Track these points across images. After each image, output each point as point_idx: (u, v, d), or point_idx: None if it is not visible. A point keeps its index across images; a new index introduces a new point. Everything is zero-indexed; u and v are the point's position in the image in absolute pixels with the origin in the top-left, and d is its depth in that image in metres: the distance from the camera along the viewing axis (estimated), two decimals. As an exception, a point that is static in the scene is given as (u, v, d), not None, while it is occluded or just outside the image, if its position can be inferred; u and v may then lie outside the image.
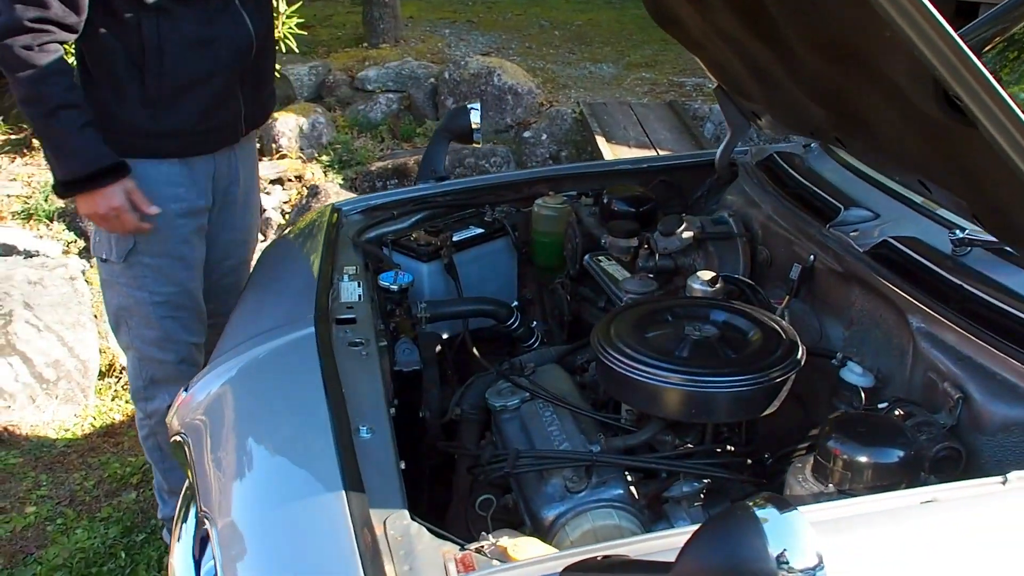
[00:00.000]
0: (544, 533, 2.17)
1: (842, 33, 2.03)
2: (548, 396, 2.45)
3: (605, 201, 3.31)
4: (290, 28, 8.89)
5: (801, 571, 1.35)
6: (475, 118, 3.39)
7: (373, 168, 8.50)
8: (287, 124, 8.73)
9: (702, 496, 2.26)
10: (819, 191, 2.95)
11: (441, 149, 3.43)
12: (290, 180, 8.50)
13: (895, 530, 1.71)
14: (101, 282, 3.34)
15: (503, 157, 8.73)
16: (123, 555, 3.64)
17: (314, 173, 8.60)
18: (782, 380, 2.25)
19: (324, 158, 8.79)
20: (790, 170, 3.16)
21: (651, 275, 2.84)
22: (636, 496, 2.23)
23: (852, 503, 1.75)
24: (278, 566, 1.78)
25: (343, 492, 1.85)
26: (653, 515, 2.28)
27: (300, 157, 8.79)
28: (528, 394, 2.51)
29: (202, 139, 3.14)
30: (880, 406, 2.25)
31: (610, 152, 7.77)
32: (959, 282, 2.35)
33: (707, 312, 2.53)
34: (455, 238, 3.16)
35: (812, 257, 2.74)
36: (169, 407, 2.62)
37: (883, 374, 2.47)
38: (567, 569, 1.55)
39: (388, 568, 1.68)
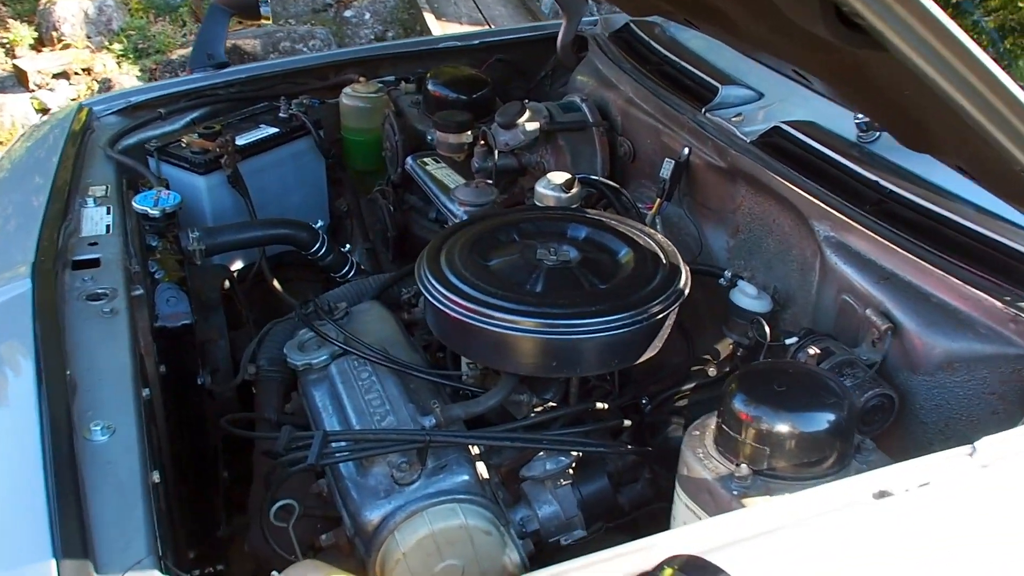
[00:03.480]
0: (368, 541, 1.62)
1: None
2: (365, 351, 1.86)
3: (428, 87, 2.69)
4: None
5: None
6: (262, -13, 2.67)
7: (174, 56, 7.50)
8: (68, 8, 7.57)
9: (571, 472, 1.76)
10: (689, 67, 2.42)
11: (219, 27, 2.71)
12: (77, 73, 7.42)
13: (845, 543, 1.23)
14: None
15: (323, 40, 7.87)
16: None
17: (106, 64, 7.53)
18: (664, 316, 1.74)
19: (116, 47, 7.70)
20: (651, 42, 2.60)
21: (490, 180, 2.26)
22: (486, 477, 1.70)
23: (781, 509, 1.26)
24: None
25: (48, 544, 1.24)
26: (508, 495, 1.77)
27: (88, 46, 7.67)
28: (336, 347, 1.92)
29: None
30: (788, 342, 1.78)
31: (440, 31, 7.05)
32: (873, 176, 1.87)
33: (564, 227, 1.98)
34: (240, 142, 2.48)
35: (687, 150, 2.21)
36: None
37: (781, 294, 1.99)
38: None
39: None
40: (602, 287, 1.78)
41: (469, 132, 2.50)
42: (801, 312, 1.96)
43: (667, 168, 2.21)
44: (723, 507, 1.44)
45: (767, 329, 1.80)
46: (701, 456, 1.51)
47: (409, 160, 2.45)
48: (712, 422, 1.56)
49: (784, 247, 2.03)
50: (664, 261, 1.85)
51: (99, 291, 1.81)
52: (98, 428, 1.46)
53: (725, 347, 2.09)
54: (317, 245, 2.27)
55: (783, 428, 1.43)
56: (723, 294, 2.00)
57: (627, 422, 1.82)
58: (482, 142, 2.45)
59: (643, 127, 2.40)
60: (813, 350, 1.70)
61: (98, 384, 1.57)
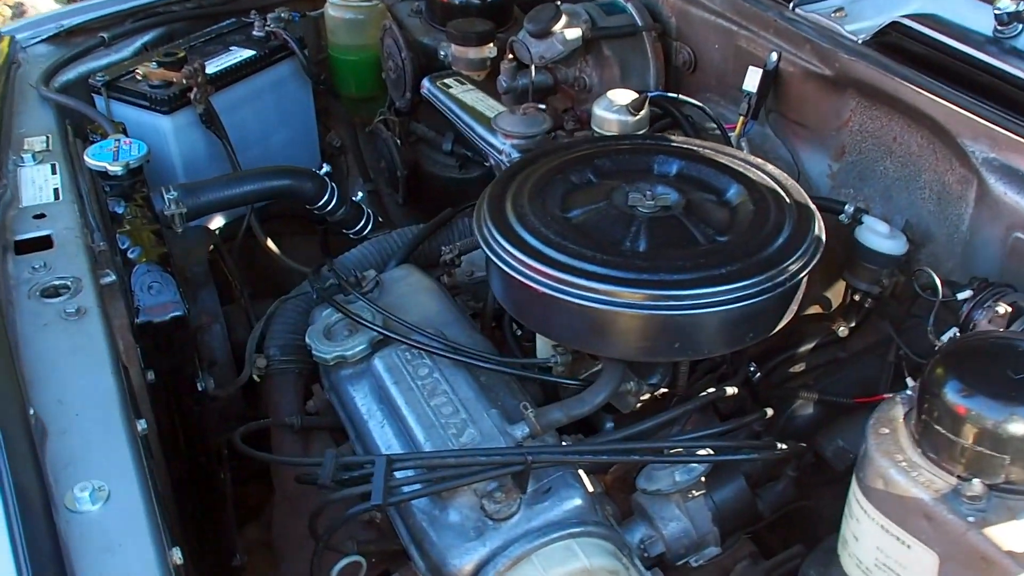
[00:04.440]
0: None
1: None
2: (421, 338, 1.44)
3: (434, -10, 2.23)
4: None
5: None
6: None
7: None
8: (-36, -77, 6.78)
9: (703, 479, 1.38)
10: (759, -50, 1.99)
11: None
12: (-18, -2, 6.68)
13: None
14: None
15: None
16: None
17: (15, -14, 6.80)
18: (806, 274, 1.36)
19: (25, -35, 6.95)
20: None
21: (532, 102, 1.81)
22: (595, 492, 1.32)
23: None
24: None
25: None
26: (616, 507, 1.39)
27: (-9, -34, 6.91)
28: (377, 333, 1.50)
29: None
30: (961, 296, 1.40)
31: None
32: (1038, 79, 1.49)
33: (648, 162, 1.57)
34: (210, 69, 2.00)
35: (775, 55, 1.80)
36: None
37: (915, 230, 1.62)
38: None
39: None
40: (722, 240, 1.38)
41: (492, 44, 2.06)
42: (943, 252, 1.59)
43: (752, 79, 1.80)
44: (953, 537, 1.07)
45: (938, 281, 1.41)
46: (904, 466, 1.14)
47: (426, 83, 1.99)
48: (899, 413, 1.19)
49: (910, 171, 1.66)
50: (788, 201, 1.45)
51: (57, 283, 1.37)
52: (86, 493, 1.04)
53: (836, 295, 1.74)
54: (326, 197, 1.82)
55: (1019, 428, 1.06)
56: (844, 233, 1.61)
57: (769, 411, 1.44)
58: (509, 56, 2.01)
59: (709, 29, 1.98)
60: (1002, 307, 1.33)
61: (75, 423, 1.14)
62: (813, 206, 1.46)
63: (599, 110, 1.79)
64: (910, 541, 1.13)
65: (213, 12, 2.24)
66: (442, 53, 2.11)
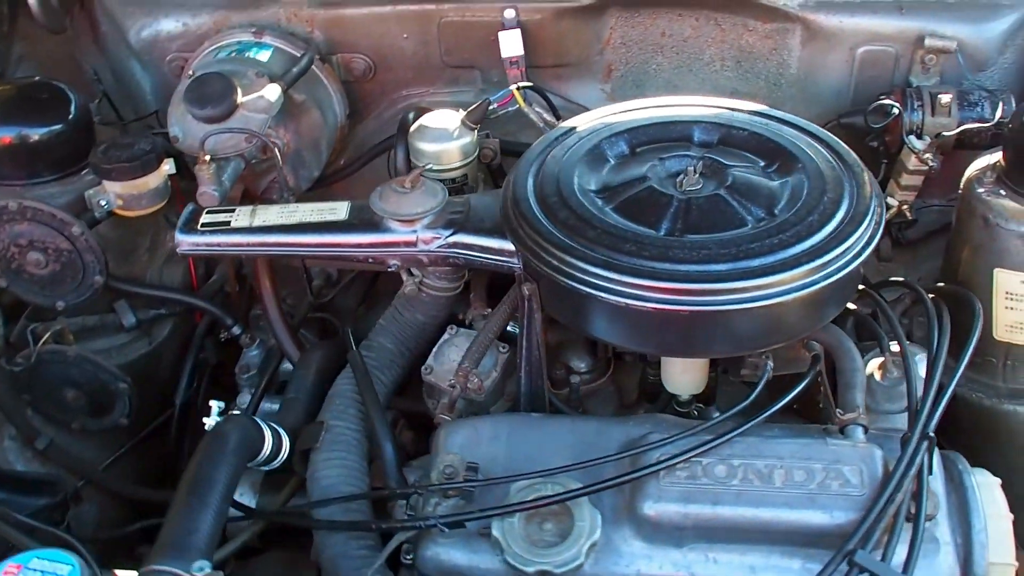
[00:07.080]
0: None
1: None
2: (682, 444, 1.13)
3: None
4: None
5: None
6: None
7: None
8: None
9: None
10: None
11: None
12: None
13: None
14: None
15: None
16: None
17: None
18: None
19: None
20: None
21: (428, 163, 1.38)
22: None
23: None
24: None
25: None
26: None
27: None
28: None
29: None
30: (944, 100, 1.54)
31: None
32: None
33: (601, 150, 1.36)
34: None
35: (512, 12, 1.68)
36: None
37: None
38: None
39: None
40: (786, 179, 1.30)
41: (168, 160, 1.52)
42: (773, 99, 1.71)
43: (512, 42, 1.67)
44: None
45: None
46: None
47: (183, 237, 1.33)
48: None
49: (689, 55, 1.75)
50: (803, 129, 1.39)
51: None
52: None
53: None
54: (267, 438, 1.19)
55: None
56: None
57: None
58: (206, 157, 1.49)
59: (387, 23, 1.74)
60: (945, 96, 1.53)
61: None
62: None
63: (430, 145, 1.50)
64: None
65: None
66: (102, 202, 1.48)
